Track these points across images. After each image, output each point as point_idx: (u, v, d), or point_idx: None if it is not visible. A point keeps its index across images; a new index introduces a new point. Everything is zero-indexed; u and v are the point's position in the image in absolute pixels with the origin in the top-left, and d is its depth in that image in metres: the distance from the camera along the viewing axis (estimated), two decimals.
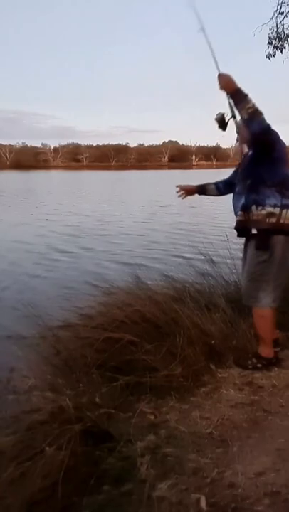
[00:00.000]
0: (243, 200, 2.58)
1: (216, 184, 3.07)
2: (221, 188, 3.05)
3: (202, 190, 3.10)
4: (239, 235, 2.73)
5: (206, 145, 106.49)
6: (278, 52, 8.32)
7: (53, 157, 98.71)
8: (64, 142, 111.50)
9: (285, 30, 8.21)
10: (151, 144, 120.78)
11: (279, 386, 2.47)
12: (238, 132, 2.67)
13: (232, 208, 2.76)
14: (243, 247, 2.81)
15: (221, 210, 12.55)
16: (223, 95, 2.55)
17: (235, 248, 3.92)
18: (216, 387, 2.47)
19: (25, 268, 7.48)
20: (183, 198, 3.10)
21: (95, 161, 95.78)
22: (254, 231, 2.56)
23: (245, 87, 2.44)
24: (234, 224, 2.67)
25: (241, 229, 2.65)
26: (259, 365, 2.65)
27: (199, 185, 3.12)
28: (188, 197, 3.13)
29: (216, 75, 2.49)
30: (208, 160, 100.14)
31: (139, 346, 2.47)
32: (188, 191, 3.08)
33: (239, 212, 2.60)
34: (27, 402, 2.16)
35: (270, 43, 8.32)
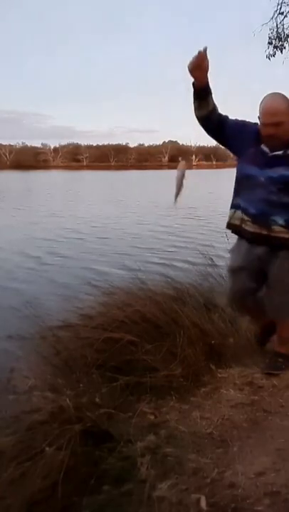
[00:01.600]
0: (287, 217, 2.26)
1: (215, 108, 2.34)
2: (213, 118, 2.35)
3: (207, 90, 2.26)
4: (269, 247, 2.35)
5: (206, 145, 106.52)
6: (278, 52, 8.35)
7: (53, 157, 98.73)
8: (64, 142, 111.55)
9: (285, 30, 8.25)
10: (151, 144, 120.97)
11: (279, 386, 2.47)
12: None
13: (248, 209, 2.34)
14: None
15: (218, 211, 12.56)
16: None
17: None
18: (216, 387, 2.47)
19: (24, 268, 7.48)
20: (190, 65, 2.15)
21: (95, 161, 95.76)
22: None
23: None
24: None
25: (279, 244, 2.31)
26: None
27: (208, 85, 2.26)
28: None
29: None
30: (208, 160, 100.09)
31: (139, 346, 2.47)
32: (203, 68, 2.16)
33: (279, 229, 2.27)
34: (27, 402, 2.16)
35: (270, 43, 8.35)
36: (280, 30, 8.22)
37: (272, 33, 8.28)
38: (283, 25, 8.23)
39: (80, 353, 2.50)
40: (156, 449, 1.89)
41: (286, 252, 2.31)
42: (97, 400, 2.09)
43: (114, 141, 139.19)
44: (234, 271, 2.52)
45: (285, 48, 8.32)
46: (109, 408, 2.08)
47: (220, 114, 2.36)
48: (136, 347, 2.48)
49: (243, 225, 2.36)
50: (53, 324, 2.83)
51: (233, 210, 2.44)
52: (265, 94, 2.26)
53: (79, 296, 3.61)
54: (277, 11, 8.11)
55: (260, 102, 2.24)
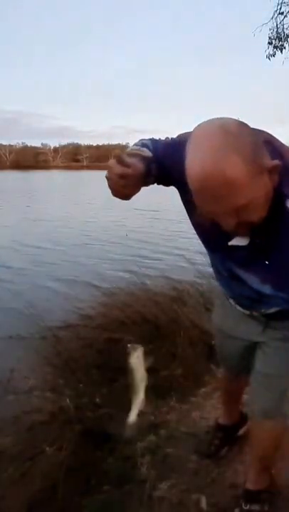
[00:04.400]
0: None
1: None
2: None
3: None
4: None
5: None
6: (278, 52, 8.37)
7: (53, 157, 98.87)
8: (64, 142, 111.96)
9: (285, 30, 8.26)
10: None
11: None
12: None
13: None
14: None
15: None
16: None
17: None
18: (216, 387, 2.46)
19: (24, 268, 7.48)
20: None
21: (95, 161, 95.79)
22: None
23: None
24: None
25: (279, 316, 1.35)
26: None
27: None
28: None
29: None
30: None
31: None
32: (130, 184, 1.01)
33: (274, 309, 1.31)
34: (27, 402, 2.17)
35: (270, 43, 8.37)
36: (280, 30, 8.23)
37: (272, 33, 8.29)
38: (283, 25, 8.24)
39: (80, 353, 2.50)
40: (156, 449, 1.89)
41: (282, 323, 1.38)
42: (97, 400, 2.10)
43: (114, 141, 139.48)
44: (225, 335, 1.60)
45: (285, 47, 8.33)
46: (109, 408, 2.08)
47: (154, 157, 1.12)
48: None
49: (229, 299, 1.46)
50: (53, 324, 2.84)
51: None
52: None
53: (79, 296, 3.61)
54: (277, 11, 8.12)
55: (187, 156, 0.89)
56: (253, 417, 1.56)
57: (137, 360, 1.28)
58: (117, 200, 1.08)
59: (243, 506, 1.56)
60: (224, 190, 0.86)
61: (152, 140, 1.19)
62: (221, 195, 0.87)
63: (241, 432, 1.92)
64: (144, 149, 1.12)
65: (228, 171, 0.83)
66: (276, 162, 0.90)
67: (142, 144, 1.16)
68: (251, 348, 1.48)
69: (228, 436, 1.89)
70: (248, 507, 1.56)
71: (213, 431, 1.94)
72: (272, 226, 0.99)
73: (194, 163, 0.87)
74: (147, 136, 1.23)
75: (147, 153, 1.10)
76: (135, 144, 1.16)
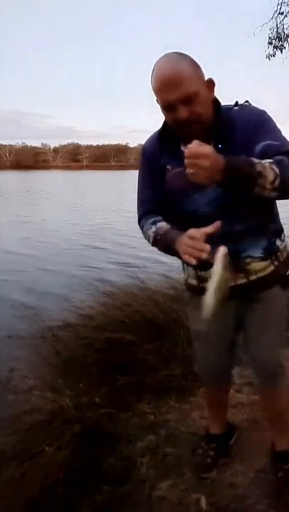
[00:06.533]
0: (263, 243, 1.44)
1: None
2: None
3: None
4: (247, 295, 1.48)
5: None
6: (278, 52, 8.37)
7: (53, 157, 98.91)
8: (64, 142, 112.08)
9: (285, 30, 8.27)
10: None
11: None
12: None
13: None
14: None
15: None
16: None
17: None
18: None
19: (23, 268, 7.48)
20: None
21: (95, 161, 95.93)
22: None
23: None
24: None
25: (262, 286, 1.47)
26: None
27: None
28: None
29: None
30: None
31: (139, 346, 2.47)
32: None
33: (259, 264, 1.44)
34: (27, 402, 2.17)
35: (270, 43, 8.38)
36: (280, 30, 8.25)
37: (272, 33, 8.30)
38: (283, 25, 8.26)
39: (80, 353, 2.50)
40: (156, 449, 1.89)
41: (269, 293, 1.49)
42: (97, 400, 2.10)
43: (114, 141, 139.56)
44: (202, 338, 1.66)
45: (285, 47, 8.34)
46: (109, 408, 2.08)
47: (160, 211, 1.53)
48: (136, 347, 2.48)
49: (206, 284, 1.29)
50: (53, 324, 2.84)
51: (184, 266, 1.59)
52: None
53: (78, 296, 3.61)
54: (277, 11, 8.14)
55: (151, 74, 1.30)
56: (264, 386, 1.67)
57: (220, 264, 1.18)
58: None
59: (285, 466, 1.68)
60: (178, 79, 1.24)
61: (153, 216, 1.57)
62: (176, 83, 1.24)
63: (232, 441, 1.91)
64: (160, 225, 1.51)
65: (180, 65, 1.26)
66: (211, 78, 1.32)
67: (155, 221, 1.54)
68: (234, 336, 1.64)
69: (222, 446, 1.86)
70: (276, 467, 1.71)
71: (206, 443, 1.87)
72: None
73: (161, 65, 1.28)
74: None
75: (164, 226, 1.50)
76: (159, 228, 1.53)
